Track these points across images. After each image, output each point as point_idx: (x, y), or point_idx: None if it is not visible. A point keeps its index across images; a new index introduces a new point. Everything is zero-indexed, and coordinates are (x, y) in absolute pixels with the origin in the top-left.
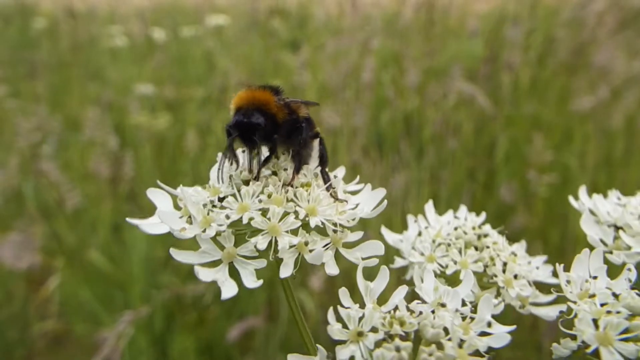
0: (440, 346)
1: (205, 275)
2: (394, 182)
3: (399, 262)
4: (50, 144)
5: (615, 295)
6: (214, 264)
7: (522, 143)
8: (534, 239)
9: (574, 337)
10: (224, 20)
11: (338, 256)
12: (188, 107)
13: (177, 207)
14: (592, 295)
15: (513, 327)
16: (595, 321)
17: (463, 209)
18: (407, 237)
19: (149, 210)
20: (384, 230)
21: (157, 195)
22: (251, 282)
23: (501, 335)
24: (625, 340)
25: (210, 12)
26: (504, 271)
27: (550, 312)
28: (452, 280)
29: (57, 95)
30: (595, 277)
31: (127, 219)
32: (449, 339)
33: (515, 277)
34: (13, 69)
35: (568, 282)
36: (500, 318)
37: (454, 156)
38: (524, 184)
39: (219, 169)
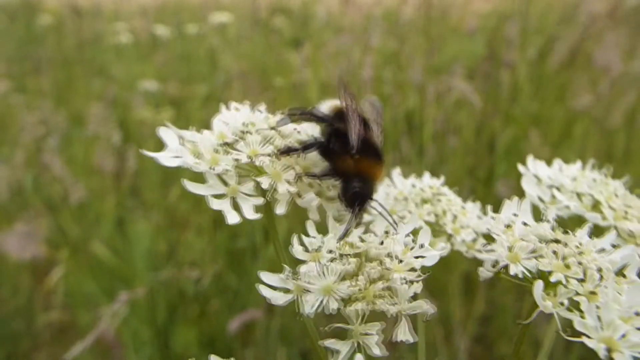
0: (381, 263)
1: (215, 204)
2: None
3: (366, 218)
4: (54, 138)
5: (527, 225)
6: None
7: (521, 140)
8: None
9: (495, 265)
10: (228, 18)
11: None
12: (191, 103)
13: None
14: (508, 226)
15: (444, 250)
16: (510, 248)
17: (426, 175)
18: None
19: (151, 204)
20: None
21: (168, 135)
22: (250, 214)
23: (433, 255)
24: (528, 259)
25: (213, 10)
26: (453, 222)
27: (491, 257)
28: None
29: (62, 91)
30: (516, 215)
31: (142, 151)
32: (389, 256)
33: (463, 227)
34: (18, 65)
35: (494, 219)
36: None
37: (455, 153)
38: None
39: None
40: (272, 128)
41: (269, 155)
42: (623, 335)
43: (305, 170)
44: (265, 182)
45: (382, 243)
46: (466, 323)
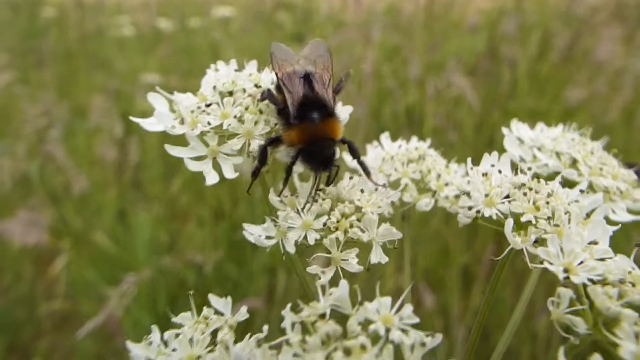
0: (351, 202)
1: (193, 166)
2: None
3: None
4: (57, 129)
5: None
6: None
7: None
8: None
9: (471, 208)
10: (230, 12)
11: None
12: None
13: (172, 111)
14: (485, 174)
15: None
16: (487, 195)
17: (414, 139)
18: (365, 159)
19: (153, 196)
20: (346, 156)
21: (156, 100)
22: (230, 173)
23: (394, 194)
24: (502, 203)
25: (216, 4)
26: (437, 179)
27: (466, 213)
28: (396, 186)
29: (64, 84)
30: (493, 166)
31: (131, 117)
32: (359, 200)
33: (447, 184)
34: (22, 57)
35: (472, 169)
36: None
37: (454, 148)
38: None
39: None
40: (257, 85)
41: (235, 116)
42: (581, 262)
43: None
44: (237, 143)
45: (352, 187)
46: (464, 315)
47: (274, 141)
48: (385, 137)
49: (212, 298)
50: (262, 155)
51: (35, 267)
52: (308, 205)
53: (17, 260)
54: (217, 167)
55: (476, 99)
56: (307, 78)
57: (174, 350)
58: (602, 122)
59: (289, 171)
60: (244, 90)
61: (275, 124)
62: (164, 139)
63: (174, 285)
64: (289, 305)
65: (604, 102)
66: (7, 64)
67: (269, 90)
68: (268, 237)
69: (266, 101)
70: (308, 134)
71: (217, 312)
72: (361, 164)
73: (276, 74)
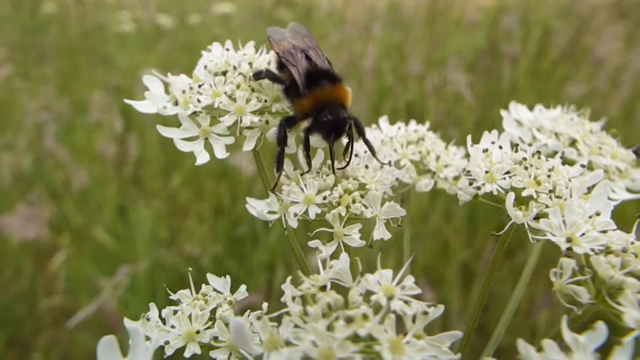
0: (356, 179)
1: (183, 146)
2: None
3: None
4: (57, 124)
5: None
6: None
7: None
8: None
9: (471, 183)
10: (231, 9)
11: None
12: None
13: (168, 93)
14: (485, 150)
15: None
16: (487, 171)
17: (412, 122)
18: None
19: (153, 192)
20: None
21: (151, 82)
22: (221, 153)
23: (399, 172)
24: (503, 179)
25: (216, 0)
26: (436, 160)
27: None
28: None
29: (65, 79)
30: (493, 143)
31: (125, 100)
32: (363, 177)
33: (446, 166)
34: (23, 53)
35: (472, 146)
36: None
37: (455, 144)
38: None
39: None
40: (250, 64)
41: (225, 93)
42: (583, 234)
43: (275, 100)
44: (228, 120)
45: (358, 164)
46: (463, 311)
47: (289, 120)
48: (383, 120)
49: (211, 277)
50: (281, 134)
51: (35, 262)
52: (312, 180)
53: (17, 255)
54: (208, 149)
55: (472, 96)
56: (305, 52)
57: (172, 327)
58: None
59: (306, 144)
60: (235, 68)
61: (266, 101)
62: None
63: (173, 280)
64: (289, 278)
65: (604, 99)
66: (7, 58)
67: (267, 70)
68: (271, 212)
69: (263, 80)
70: (320, 98)
71: (215, 291)
72: (366, 142)
73: (277, 53)
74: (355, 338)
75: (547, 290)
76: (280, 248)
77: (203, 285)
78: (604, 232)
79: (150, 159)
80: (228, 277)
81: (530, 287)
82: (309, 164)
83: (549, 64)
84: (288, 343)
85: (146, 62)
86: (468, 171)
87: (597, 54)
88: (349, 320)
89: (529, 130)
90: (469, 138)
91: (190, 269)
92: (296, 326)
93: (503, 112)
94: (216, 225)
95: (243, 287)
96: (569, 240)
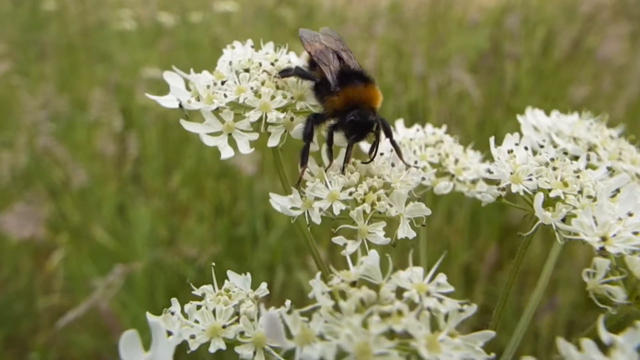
0: (380, 177)
1: (208, 140)
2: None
3: (387, 155)
4: (56, 122)
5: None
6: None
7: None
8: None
9: (498, 183)
10: (232, 7)
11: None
12: None
13: (188, 89)
14: (510, 151)
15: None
16: (512, 172)
17: (429, 126)
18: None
19: (152, 191)
20: (362, 144)
21: (172, 77)
22: (245, 149)
23: (428, 174)
24: (529, 180)
25: None
26: (455, 163)
27: (491, 191)
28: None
29: (65, 77)
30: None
31: (147, 95)
32: (388, 176)
33: (464, 169)
34: (22, 50)
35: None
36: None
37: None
38: None
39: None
40: (272, 63)
41: (251, 89)
42: (614, 235)
43: (299, 98)
44: (254, 116)
45: (383, 163)
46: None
47: (317, 116)
48: (400, 122)
49: (231, 274)
50: (308, 129)
51: (33, 261)
52: (336, 177)
53: (15, 253)
54: (232, 144)
55: (479, 95)
56: (337, 54)
57: (196, 321)
58: (607, 120)
59: (330, 140)
60: (260, 65)
61: (292, 98)
62: (164, 133)
63: (172, 281)
64: (319, 273)
65: (609, 100)
66: (6, 55)
67: (297, 67)
68: (294, 208)
69: (289, 78)
70: (351, 96)
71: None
72: (393, 143)
73: (309, 52)
74: (389, 334)
75: (551, 296)
76: (280, 248)
77: (225, 281)
78: (636, 233)
79: (149, 158)
80: (249, 274)
81: (532, 292)
82: (331, 159)
83: (553, 65)
84: (322, 338)
85: (146, 60)
86: (492, 172)
87: (602, 54)
88: (384, 315)
89: (546, 135)
90: (492, 140)
91: (213, 264)
92: (326, 321)
93: (519, 117)
94: (216, 225)
95: (264, 285)
96: (603, 239)
